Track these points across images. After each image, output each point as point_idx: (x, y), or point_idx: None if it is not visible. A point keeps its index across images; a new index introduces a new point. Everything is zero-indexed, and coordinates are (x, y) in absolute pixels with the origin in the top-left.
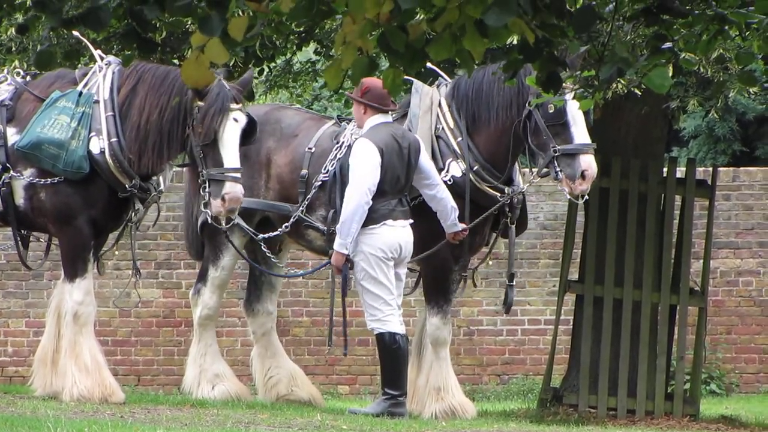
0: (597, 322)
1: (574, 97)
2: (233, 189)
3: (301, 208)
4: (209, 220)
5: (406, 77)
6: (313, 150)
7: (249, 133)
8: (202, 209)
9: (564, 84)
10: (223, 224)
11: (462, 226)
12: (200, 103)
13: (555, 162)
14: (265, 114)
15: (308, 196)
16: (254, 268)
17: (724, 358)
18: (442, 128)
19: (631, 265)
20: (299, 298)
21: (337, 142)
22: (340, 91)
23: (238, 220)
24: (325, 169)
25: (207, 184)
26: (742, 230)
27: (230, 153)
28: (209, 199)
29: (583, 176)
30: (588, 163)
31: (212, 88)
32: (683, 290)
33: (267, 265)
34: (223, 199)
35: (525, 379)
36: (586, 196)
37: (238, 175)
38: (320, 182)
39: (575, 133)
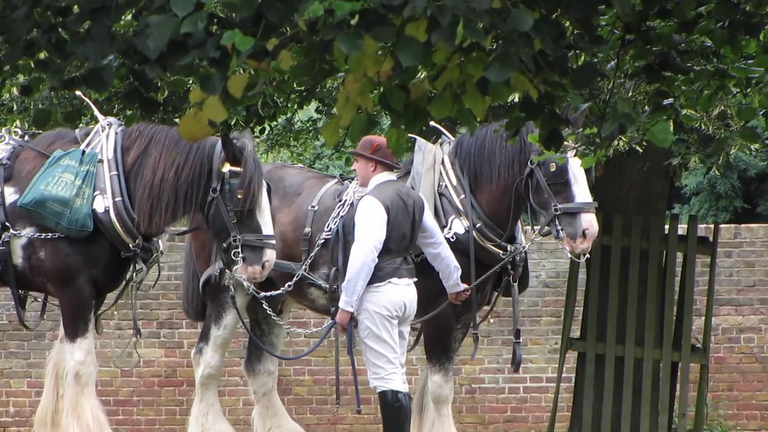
0: (599, 379)
1: (576, 155)
2: (272, 256)
3: (304, 267)
4: (247, 286)
5: (410, 135)
6: (316, 208)
7: (269, 199)
8: (235, 273)
9: (565, 142)
10: (246, 288)
11: (464, 286)
12: (232, 168)
13: (557, 221)
14: (268, 173)
15: (311, 254)
16: (258, 346)
17: (726, 414)
18: (445, 185)
19: (633, 323)
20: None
21: (340, 200)
22: (341, 149)
23: (247, 283)
24: (327, 227)
25: (240, 250)
26: (744, 287)
27: (267, 220)
28: (243, 264)
29: (584, 235)
30: (589, 222)
31: (248, 154)
32: (685, 347)
33: (268, 325)
34: (263, 266)
35: None
36: (588, 255)
37: (275, 242)
38: (323, 240)
39: (576, 192)
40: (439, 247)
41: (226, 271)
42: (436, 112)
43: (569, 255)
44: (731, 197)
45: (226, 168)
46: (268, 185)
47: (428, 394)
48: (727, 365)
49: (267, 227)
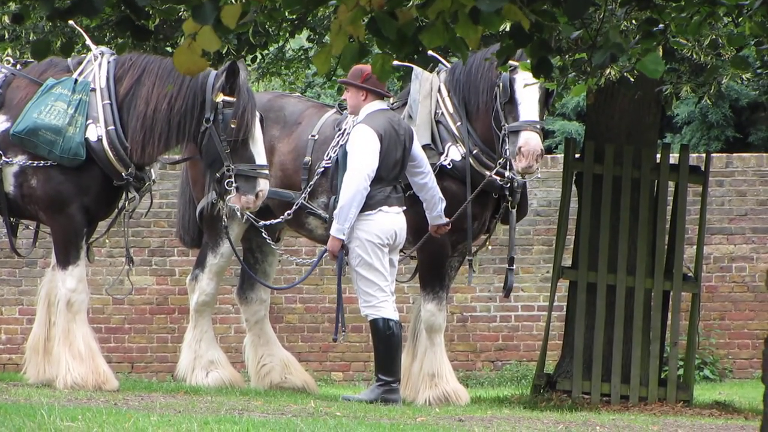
0: (590, 308)
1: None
2: (266, 186)
3: (303, 195)
4: (239, 213)
5: (407, 64)
6: (316, 137)
7: (261, 128)
8: (228, 202)
9: (510, 60)
10: (241, 217)
11: (446, 220)
12: (226, 98)
13: (507, 140)
14: (268, 102)
15: (311, 183)
16: (251, 276)
17: (718, 343)
18: (442, 113)
19: (625, 252)
20: None
21: (340, 130)
22: (333, 78)
23: (240, 212)
24: (327, 155)
25: (234, 179)
26: (736, 216)
27: (261, 150)
28: (236, 193)
29: (521, 152)
30: (525, 140)
31: (241, 85)
32: (676, 276)
33: (262, 253)
34: (256, 195)
35: (518, 366)
36: (537, 175)
37: (268, 172)
38: (323, 169)
39: (521, 111)
40: (426, 177)
41: (219, 201)
42: (428, 40)
43: (515, 174)
44: (723, 127)
45: (220, 98)
46: (261, 116)
47: (421, 322)
48: (718, 294)
49: (260, 157)
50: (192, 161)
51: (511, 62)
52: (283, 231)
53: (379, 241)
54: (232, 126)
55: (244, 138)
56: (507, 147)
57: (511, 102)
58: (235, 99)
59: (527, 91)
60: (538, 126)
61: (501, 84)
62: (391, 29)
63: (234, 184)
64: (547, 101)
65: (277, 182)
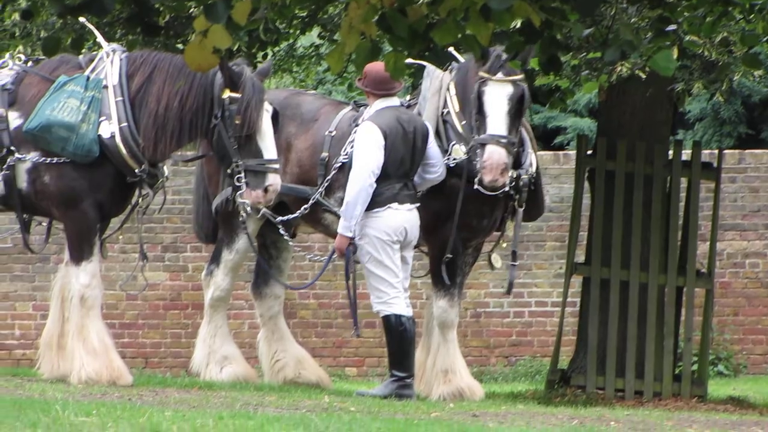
0: (604, 304)
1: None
2: (276, 180)
3: (320, 190)
4: (248, 210)
5: (419, 62)
6: (333, 133)
7: (274, 123)
8: (238, 198)
9: (482, 73)
10: (255, 213)
11: None
12: (232, 94)
13: (477, 152)
14: (285, 99)
15: (327, 178)
16: (268, 274)
17: (732, 339)
18: (448, 111)
19: (638, 248)
20: (306, 280)
21: (356, 126)
22: (344, 75)
23: (250, 208)
24: (344, 151)
25: (243, 174)
26: (749, 212)
27: (269, 144)
28: (247, 189)
29: (485, 167)
30: (489, 154)
31: (245, 79)
32: (690, 272)
33: (276, 249)
34: (265, 190)
35: (532, 361)
36: (506, 188)
37: (278, 166)
38: (339, 164)
39: (488, 123)
40: (435, 174)
41: (235, 198)
42: (440, 38)
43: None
44: (735, 123)
45: (226, 94)
46: (275, 110)
47: (433, 318)
48: (732, 290)
49: (269, 152)
50: (207, 157)
51: (480, 74)
52: (298, 227)
53: (387, 238)
54: (237, 122)
55: (250, 133)
56: (477, 159)
57: (479, 113)
58: (239, 95)
59: (496, 103)
60: (504, 140)
61: (472, 95)
62: (402, 26)
63: (243, 180)
64: (519, 111)
65: (294, 178)
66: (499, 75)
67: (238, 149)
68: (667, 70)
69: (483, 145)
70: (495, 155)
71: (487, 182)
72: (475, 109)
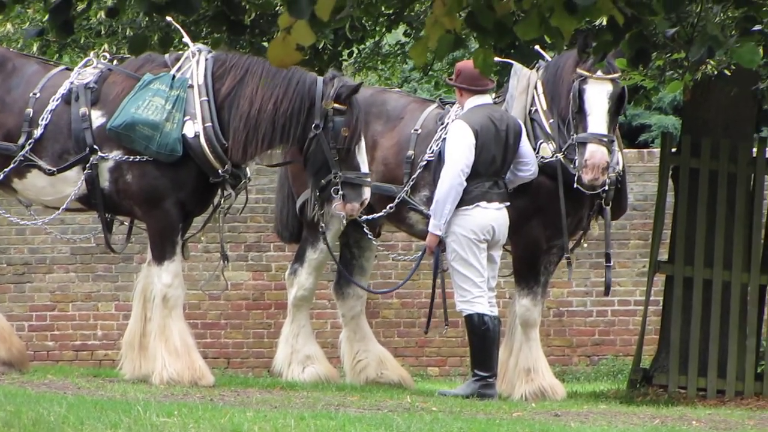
0: (687, 302)
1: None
2: (369, 194)
3: (406, 189)
4: (344, 222)
5: (506, 60)
6: (419, 131)
7: None
8: (334, 210)
9: (586, 73)
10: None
11: None
12: (336, 105)
13: (576, 150)
14: (371, 96)
15: (413, 176)
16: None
17: None
18: (536, 110)
19: (721, 246)
20: (389, 280)
21: (442, 124)
22: (429, 72)
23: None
24: (430, 149)
25: (340, 186)
26: None
27: (365, 159)
28: (342, 201)
29: (586, 165)
30: (591, 153)
31: (354, 97)
32: None
33: (359, 248)
34: (362, 204)
35: (615, 360)
36: (606, 187)
37: (371, 180)
38: (425, 162)
39: (589, 122)
40: (527, 172)
41: (316, 206)
42: (523, 33)
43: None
44: None
45: (331, 106)
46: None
47: (516, 317)
48: None
49: (365, 165)
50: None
51: (580, 71)
52: (382, 226)
53: (474, 237)
54: (344, 134)
55: (353, 146)
56: (575, 157)
57: (580, 112)
58: (346, 108)
59: (596, 101)
60: (605, 139)
61: (572, 93)
62: (489, 20)
63: (340, 192)
64: (618, 109)
65: (380, 176)
66: (599, 73)
67: (338, 161)
68: (752, 63)
69: (583, 143)
70: (597, 154)
71: (587, 181)
72: (574, 108)
